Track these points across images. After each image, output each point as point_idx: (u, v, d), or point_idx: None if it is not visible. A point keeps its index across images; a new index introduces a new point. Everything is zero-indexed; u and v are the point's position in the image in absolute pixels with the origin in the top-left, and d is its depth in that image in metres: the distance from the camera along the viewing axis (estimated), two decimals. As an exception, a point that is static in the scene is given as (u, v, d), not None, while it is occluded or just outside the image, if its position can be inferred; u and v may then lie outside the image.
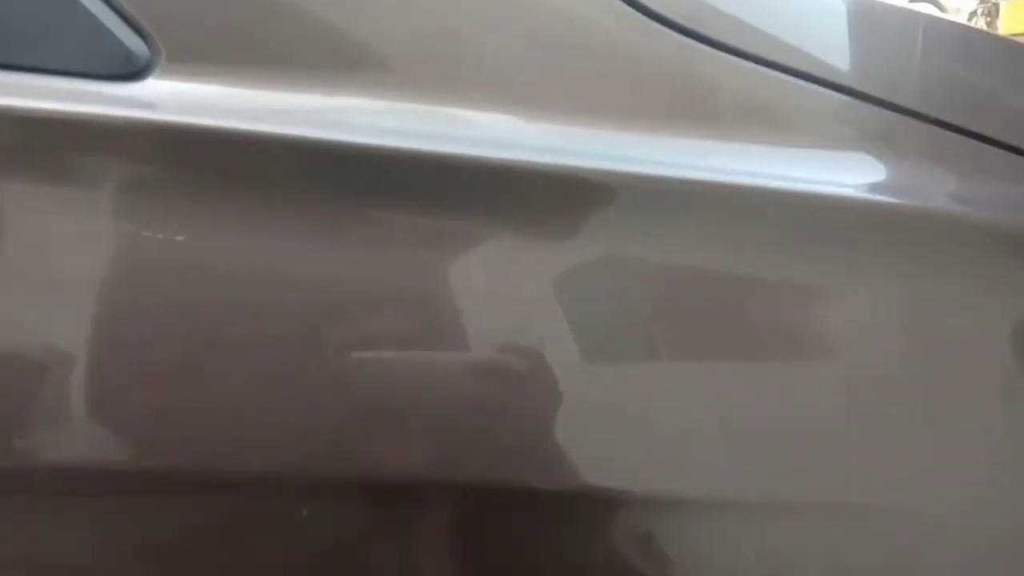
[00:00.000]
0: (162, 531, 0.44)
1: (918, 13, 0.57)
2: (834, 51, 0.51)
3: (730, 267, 0.47)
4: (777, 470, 0.47)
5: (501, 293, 0.45)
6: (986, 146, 0.50)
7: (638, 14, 0.47)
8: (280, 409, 0.43)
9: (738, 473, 0.47)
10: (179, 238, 0.42)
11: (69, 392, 0.42)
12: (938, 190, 0.50)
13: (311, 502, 0.45)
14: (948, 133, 0.50)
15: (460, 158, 0.44)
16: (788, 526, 0.48)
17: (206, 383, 0.43)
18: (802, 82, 0.49)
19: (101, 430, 0.42)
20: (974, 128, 0.50)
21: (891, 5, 0.56)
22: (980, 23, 3.19)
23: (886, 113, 0.49)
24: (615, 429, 0.46)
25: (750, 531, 0.48)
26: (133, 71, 0.43)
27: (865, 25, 0.54)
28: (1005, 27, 2.99)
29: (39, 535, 0.44)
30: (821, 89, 0.49)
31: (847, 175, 0.49)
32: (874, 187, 0.49)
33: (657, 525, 0.47)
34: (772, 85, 0.49)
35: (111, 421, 0.43)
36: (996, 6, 3.27)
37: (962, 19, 2.79)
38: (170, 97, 0.43)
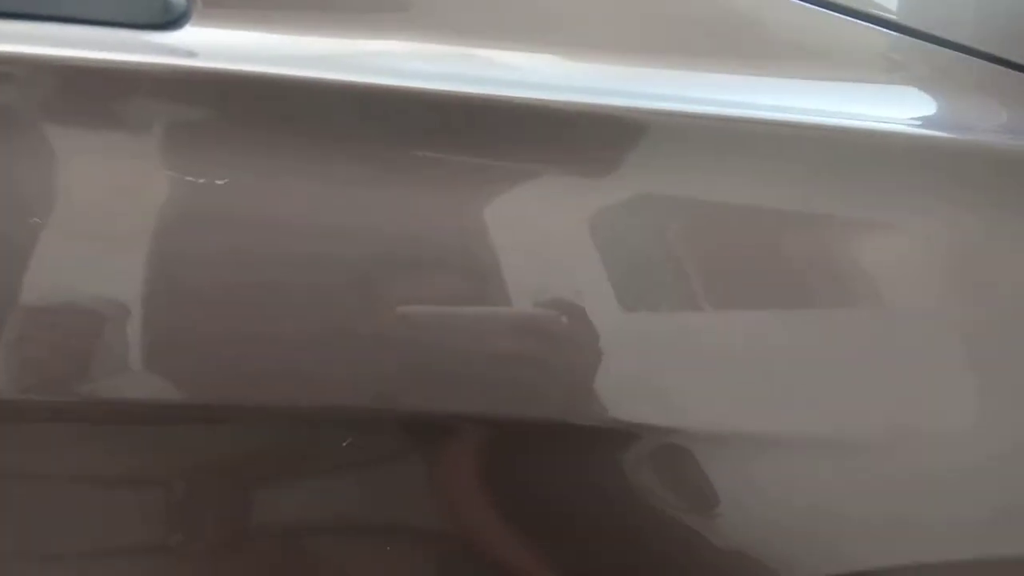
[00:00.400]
0: (215, 455, 0.46)
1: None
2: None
3: (777, 204, 0.46)
4: (824, 406, 0.47)
5: (542, 233, 0.44)
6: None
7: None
8: (325, 350, 0.43)
9: (778, 409, 0.47)
10: (220, 183, 0.42)
11: (120, 335, 0.42)
12: (991, 124, 0.48)
13: (356, 434, 0.45)
14: (1002, 68, 0.49)
15: (500, 100, 0.43)
16: (830, 459, 0.48)
17: (251, 327, 0.43)
18: (851, 19, 0.47)
19: (152, 372, 0.43)
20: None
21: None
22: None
23: (939, 50, 0.48)
24: (655, 367, 0.45)
25: (786, 466, 0.47)
26: (171, 19, 0.43)
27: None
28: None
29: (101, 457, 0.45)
30: (871, 26, 0.48)
31: (897, 110, 0.48)
32: (925, 122, 0.48)
33: (690, 458, 0.47)
34: (819, 23, 0.47)
35: (160, 363, 0.43)
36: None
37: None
38: (208, 44, 0.42)
